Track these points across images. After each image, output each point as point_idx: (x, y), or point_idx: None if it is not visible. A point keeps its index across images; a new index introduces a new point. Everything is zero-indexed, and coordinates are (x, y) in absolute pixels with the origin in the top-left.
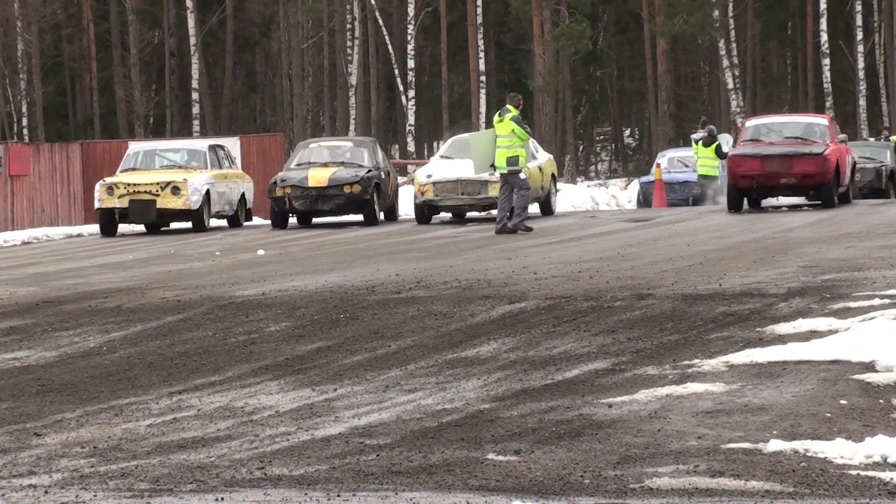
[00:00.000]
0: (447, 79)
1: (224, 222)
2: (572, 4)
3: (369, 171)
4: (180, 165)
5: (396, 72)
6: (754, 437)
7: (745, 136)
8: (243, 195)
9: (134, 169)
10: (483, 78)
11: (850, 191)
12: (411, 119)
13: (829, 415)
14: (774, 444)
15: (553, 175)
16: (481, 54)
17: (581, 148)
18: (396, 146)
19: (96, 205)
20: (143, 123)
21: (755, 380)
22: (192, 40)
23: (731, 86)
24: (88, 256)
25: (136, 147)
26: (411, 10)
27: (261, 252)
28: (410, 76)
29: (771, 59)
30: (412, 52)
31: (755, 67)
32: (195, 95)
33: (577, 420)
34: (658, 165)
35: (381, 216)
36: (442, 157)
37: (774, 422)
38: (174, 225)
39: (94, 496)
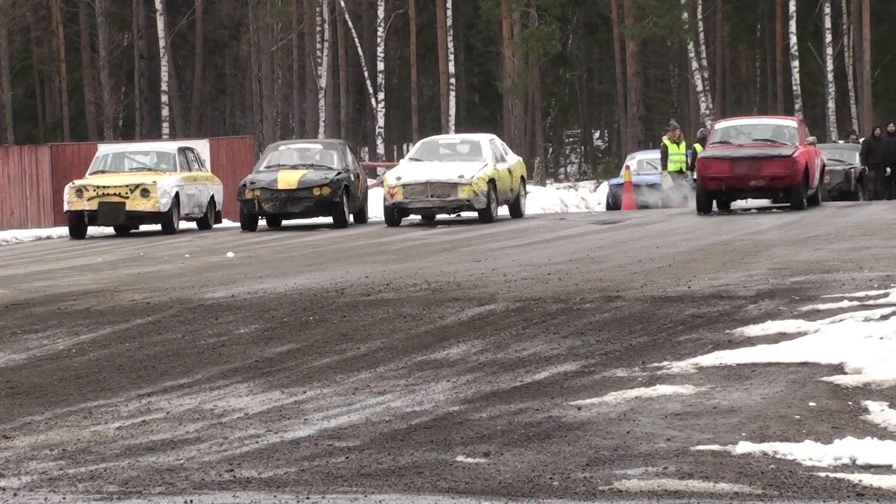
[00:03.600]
0: (417, 81)
1: (193, 224)
2: (541, 7)
3: (339, 173)
4: (150, 168)
5: (366, 74)
6: (723, 438)
7: (715, 139)
8: (213, 197)
9: (103, 171)
10: (453, 80)
11: (819, 193)
12: (381, 121)
13: (798, 417)
14: (743, 446)
15: (522, 177)
16: (451, 57)
17: (550, 150)
18: (366, 148)
19: (65, 207)
20: (112, 126)
21: (724, 382)
22: (162, 43)
23: (700, 88)
24: (57, 259)
25: (105, 149)
26: (381, 13)
27: (230, 254)
28: (380, 78)
29: (740, 61)
30: (382, 55)
31: (724, 70)
32: (164, 98)
33: (546, 422)
34: (627, 167)
35: (351, 219)
36: (411, 159)
37: (743, 424)
38: (143, 227)
39: (63, 499)
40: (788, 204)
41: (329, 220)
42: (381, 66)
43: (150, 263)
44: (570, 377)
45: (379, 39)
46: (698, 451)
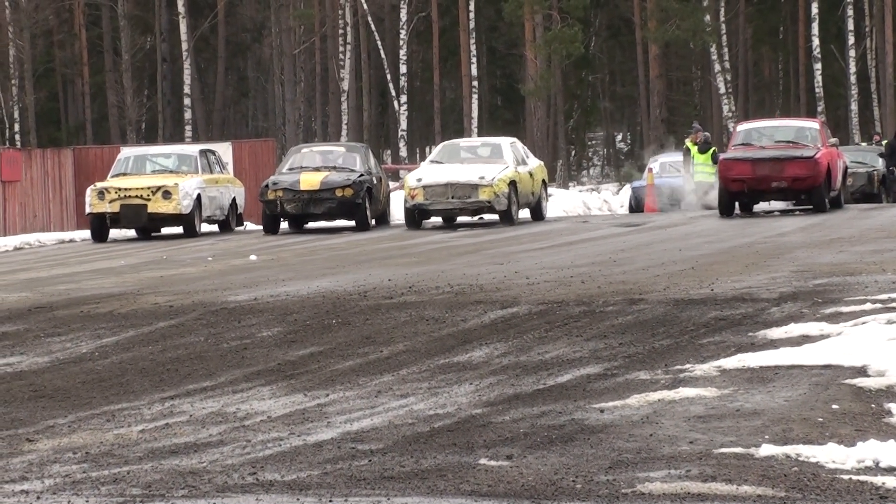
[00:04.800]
0: (439, 84)
1: (215, 227)
2: (564, 9)
3: (361, 175)
4: (171, 170)
5: (388, 77)
6: (746, 441)
7: (737, 141)
8: (234, 200)
9: (125, 174)
10: (475, 83)
11: (841, 195)
12: (403, 124)
13: (820, 419)
14: (766, 449)
15: (544, 181)
16: (473, 59)
17: (573, 153)
18: (388, 151)
19: (87, 210)
20: (134, 129)
21: (747, 384)
22: (184, 46)
23: (722, 90)
24: (80, 262)
25: (126, 152)
26: (403, 16)
27: (253, 257)
28: (402, 81)
29: (763, 63)
30: (404, 58)
31: (747, 72)
32: (187, 101)
33: (569, 425)
34: (650, 170)
35: (374, 222)
36: (432, 161)
37: (766, 426)
38: (165, 230)
39: (86, 502)
40: (811, 206)
41: (351, 223)
42: (403, 68)
43: (173, 266)
44: (593, 380)
45: (401, 42)
46: (721, 454)
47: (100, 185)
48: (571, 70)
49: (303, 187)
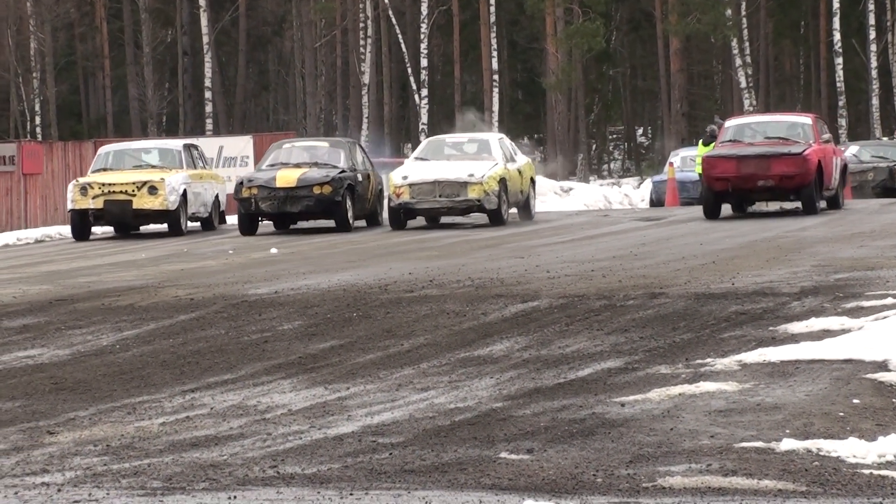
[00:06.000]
0: (460, 78)
1: (198, 225)
2: (585, 3)
3: (342, 171)
4: (154, 165)
5: (409, 70)
6: (767, 436)
7: (725, 137)
8: (217, 197)
9: (106, 169)
10: (496, 77)
11: (840, 195)
12: (424, 118)
13: (841, 414)
14: (787, 444)
15: (532, 179)
16: (494, 53)
17: (594, 147)
18: (409, 145)
19: (69, 206)
20: (156, 122)
21: (768, 379)
22: (205, 39)
23: (743, 85)
24: (101, 255)
25: (107, 147)
26: (424, 9)
27: (274, 251)
28: (423, 75)
29: (784, 57)
30: (425, 51)
31: (768, 66)
32: (208, 94)
33: (589, 419)
34: (671, 164)
35: (364, 222)
36: (417, 158)
37: (787, 421)
38: (146, 228)
39: (107, 494)
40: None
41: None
42: (424, 62)
43: (194, 259)
44: (614, 374)
45: (422, 36)
46: (742, 448)
47: (82, 180)
48: (592, 64)
49: (279, 184)
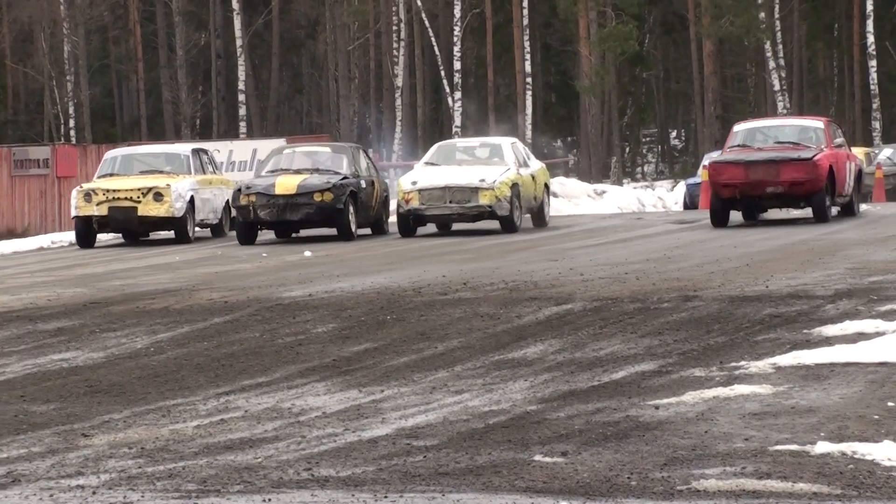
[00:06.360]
0: (493, 80)
1: (208, 232)
2: (619, 6)
3: (345, 178)
4: (161, 170)
5: (442, 73)
6: (802, 438)
7: (733, 142)
8: (227, 203)
9: (112, 174)
10: (529, 79)
11: (855, 201)
12: (458, 121)
13: (876, 417)
14: (822, 446)
15: (546, 185)
16: (527, 56)
17: (627, 149)
18: None
19: (72, 212)
20: (189, 125)
21: (802, 381)
22: (239, 42)
23: (777, 87)
24: (136, 258)
25: (113, 151)
26: (457, 12)
27: (307, 253)
28: (457, 78)
29: (817, 60)
30: (458, 54)
31: (801, 69)
32: (241, 97)
33: (623, 422)
34: (705, 167)
35: (369, 230)
36: (427, 163)
37: (822, 424)
38: (156, 234)
39: (142, 497)
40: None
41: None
42: (457, 65)
43: (228, 262)
44: (648, 377)
45: (455, 38)
46: (776, 451)
47: (86, 186)
48: (626, 67)
49: (278, 191)
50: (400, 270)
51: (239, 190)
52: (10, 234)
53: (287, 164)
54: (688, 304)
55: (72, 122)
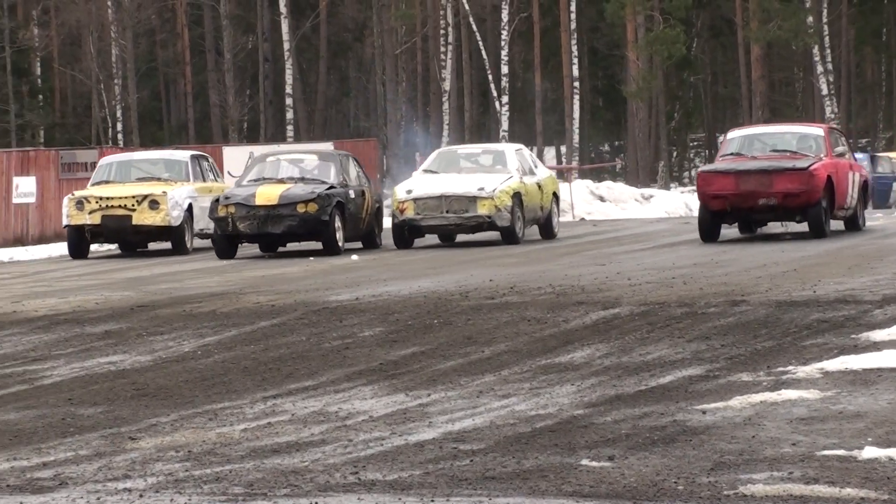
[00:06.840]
0: (540, 85)
1: (208, 242)
2: (666, 10)
3: (331, 187)
4: (158, 177)
5: (490, 77)
6: (849, 444)
7: (726, 150)
8: None
9: (107, 182)
10: (576, 83)
11: (859, 214)
12: (505, 125)
13: None
14: (869, 452)
15: (555, 194)
16: (575, 60)
17: (675, 154)
18: None
19: (64, 221)
20: (236, 128)
21: (850, 387)
22: (286, 45)
23: (825, 92)
24: (183, 261)
25: (109, 157)
26: (505, 16)
27: (354, 257)
28: (504, 82)
29: (866, 65)
30: (506, 58)
31: (850, 73)
32: (289, 100)
33: (670, 426)
34: None
35: (359, 243)
36: (426, 171)
37: (869, 429)
38: (154, 245)
39: (189, 500)
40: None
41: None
42: (504, 69)
43: (275, 266)
44: (695, 381)
45: (503, 42)
46: (824, 456)
47: (78, 193)
48: (673, 71)
49: (258, 202)
50: (447, 274)
51: (217, 200)
52: (58, 237)
53: (271, 173)
54: (735, 309)
55: (119, 126)
